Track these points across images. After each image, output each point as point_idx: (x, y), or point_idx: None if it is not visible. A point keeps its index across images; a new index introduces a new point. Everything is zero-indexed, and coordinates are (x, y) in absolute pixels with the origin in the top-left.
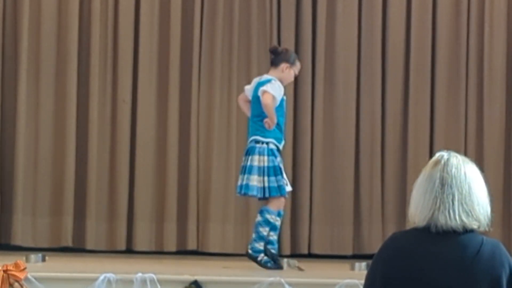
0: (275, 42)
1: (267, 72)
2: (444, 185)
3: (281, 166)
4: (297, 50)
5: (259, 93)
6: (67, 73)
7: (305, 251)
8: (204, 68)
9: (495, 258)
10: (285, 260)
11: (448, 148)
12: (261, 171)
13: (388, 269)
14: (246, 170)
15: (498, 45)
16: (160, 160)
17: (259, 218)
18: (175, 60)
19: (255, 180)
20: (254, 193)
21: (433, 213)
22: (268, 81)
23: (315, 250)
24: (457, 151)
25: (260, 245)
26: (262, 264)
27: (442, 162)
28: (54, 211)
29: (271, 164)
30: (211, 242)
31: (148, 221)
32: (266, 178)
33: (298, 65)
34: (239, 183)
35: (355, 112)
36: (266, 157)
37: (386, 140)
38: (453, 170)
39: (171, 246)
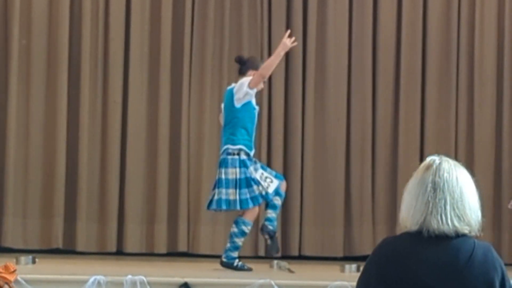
0: (265, 44)
1: None
2: (436, 189)
3: (253, 175)
4: (288, 52)
5: (235, 91)
6: (57, 75)
7: (296, 253)
8: (195, 70)
9: (487, 262)
10: (275, 262)
11: (438, 149)
12: (234, 184)
13: (382, 273)
14: (221, 184)
15: (489, 46)
16: (150, 162)
17: (234, 229)
18: (166, 61)
19: (224, 194)
20: (224, 207)
21: (425, 218)
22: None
23: (306, 252)
24: (448, 153)
25: (234, 254)
26: (239, 268)
27: (434, 166)
28: (44, 213)
29: (242, 176)
30: (202, 244)
31: (138, 223)
32: (239, 190)
33: None
34: (211, 198)
35: (346, 113)
36: (238, 169)
37: (376, 142)
38: (445, 174)
39: (162, 248)
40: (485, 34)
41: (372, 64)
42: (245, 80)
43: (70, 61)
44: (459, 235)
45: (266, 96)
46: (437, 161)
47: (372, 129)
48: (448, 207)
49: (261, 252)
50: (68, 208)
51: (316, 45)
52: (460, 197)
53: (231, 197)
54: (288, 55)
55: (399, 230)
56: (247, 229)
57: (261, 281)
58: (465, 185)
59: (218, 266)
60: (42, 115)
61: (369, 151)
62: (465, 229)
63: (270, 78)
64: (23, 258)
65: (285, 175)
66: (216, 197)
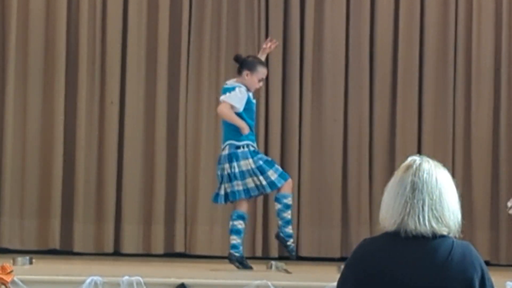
0: (262, 43)
1: None
2: (415, 190)
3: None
4: (284, 52)
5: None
6: (55, 75)
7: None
8: (192, 70)
9: (466, 261)
10: (273, 263)
11: (436, 148)
12: (251, 173)
13: (359, 275)
14: (235, 176)
15: (486, 45)
16: (147, 162)
17: (278, 205)
18: (163, 61)
19: (241, 185)
20: (243, 196)
21: (403, 218)
22: (232, 88)
23: (303, 253)
24: (445, 152)
25: (289, 229)
26: (289, 250)
27: (414, 166)
28: (41, 213)
29: (260, 163)
30: (199, 245)
31: (135, 224)
32: (260, 176)
33: (260, 70)
34: (222, 192)
35: (343, 114)
36: (251, 160)
37: (374, 142)
38: (425, 175)
39: (159, 249)
40: (482, 33)
41: (369, 63)
42: (223, 99)
43: (67, 61)
44: (436, 236)
45: (263, 96)
46: (418, 162)
47: (369, 129)
48: (426, 208)
49: (258, 253)
50: (65, 209)
51: (313, 45)
52: (439, 198)
53: (251, 186)
54: (285, 55)
55: (379, 230)
56: (288, 201)
57: (258, 281)
58: (445, 186)
59: (215, 266)
60: (39, 116)
61: (366, 151)
62: (443, 231)
63: (267, 78)
64: (20, 259)
65: None
66: (229, 190)
